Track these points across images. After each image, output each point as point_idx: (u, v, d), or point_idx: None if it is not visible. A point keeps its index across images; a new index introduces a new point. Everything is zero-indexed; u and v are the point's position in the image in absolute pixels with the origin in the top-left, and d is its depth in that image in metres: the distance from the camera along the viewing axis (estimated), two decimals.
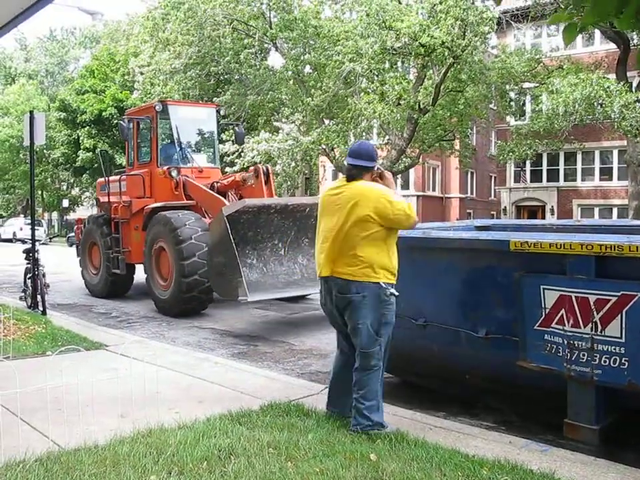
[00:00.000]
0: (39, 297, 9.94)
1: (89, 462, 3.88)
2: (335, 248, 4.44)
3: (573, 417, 4.56)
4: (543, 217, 35.80)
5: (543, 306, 4.60)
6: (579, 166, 34.52)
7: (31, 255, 10.24)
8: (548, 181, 35.99)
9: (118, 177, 13.43)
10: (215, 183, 12.02)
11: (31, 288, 10.19)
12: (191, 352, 7.64)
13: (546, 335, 4.61)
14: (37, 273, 9.99)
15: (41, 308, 9.79)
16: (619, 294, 4.20)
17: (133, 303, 12.22)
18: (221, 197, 11.22)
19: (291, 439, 4.25)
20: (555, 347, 4.57)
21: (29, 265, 10.36)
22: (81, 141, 39.13)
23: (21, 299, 10.65)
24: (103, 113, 37.52)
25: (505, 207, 37.68)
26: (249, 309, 11.15)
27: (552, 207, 35.63)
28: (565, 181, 35.13)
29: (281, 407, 5.02)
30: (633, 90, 23.77)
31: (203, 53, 25.78)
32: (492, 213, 42.85)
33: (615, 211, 33.18)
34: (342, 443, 4.22)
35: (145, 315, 10.97)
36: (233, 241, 8.67)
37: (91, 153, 37.83)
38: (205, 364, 6.81)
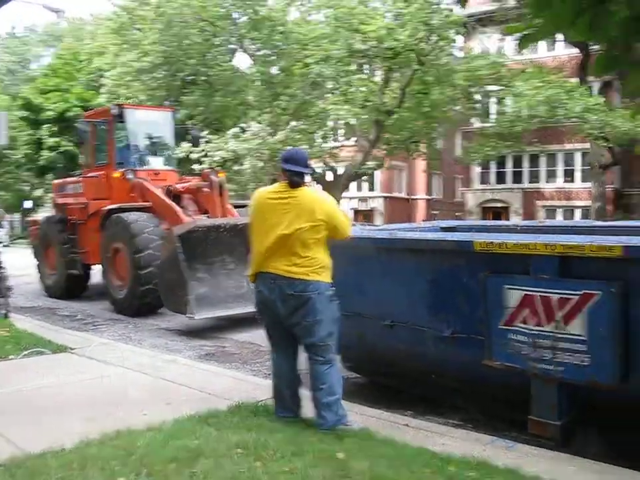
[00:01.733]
0: (0, 300, 9.77)
1: (55, 465, 3.84)
2: (289, 250, 4.57)
3: (536, 413, 4.64)
4: (508, 218, 36.27)
5: (507, 305, 4.68)
6: (542, 168, 35.07)
7: None
8: (512, 182, 36.50)
9: (75, 179, 13.51)
10: (171, 187, 12.07)
11: None
12: (158, 354, 7.61)
13: (510, 334, 4.70)
14: (0, 275, 9.83)
15: (3, 311, 9.63)
16: (580, 293, 4.29)
17: (97, 305, 12.12)
18: (174, 205, 11.39)
19: (259, 439, 4.26)
20: (519, 345, 4.66)
21: None
22: (43, 141, 38.54)
23: None
24: (68, 113, 37.00)
25: (470, 208, 38.11)
26: None
27: (516, 208, 36.13)
28: (529, 182, 35.66)
29: (249, 408, 5.03)
30: (595, 93, 24.24)
31: (170, 53, 25.57)
32: (457, 214, 43.26)
33: (577, 212, 33.77)
34: (310, 442, 4.25)
35: (110, 317, 10.88)
36: (181, 261, 9.12)
37: (54, 152, 37.28)
38: (173, 366, 6.78)
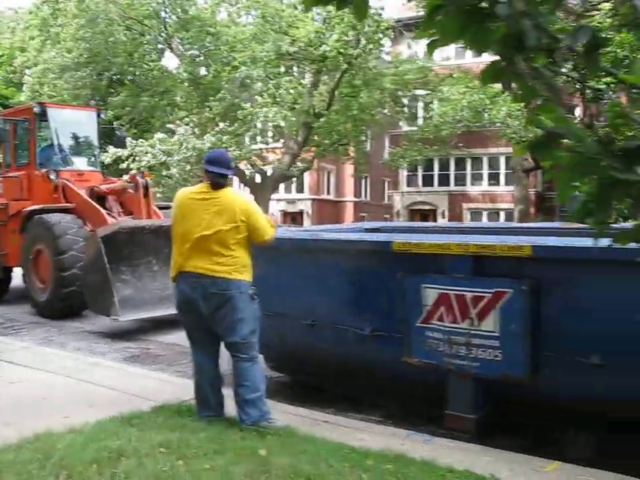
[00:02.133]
0: None
1: None
2: (211, 249, 4.65)
3: (452, 408, 4.83)
4: (435, 220, 37.03)
5: (424, 304, 4.85)
6: (468, 171, 35.97)
7: None
8: (439, 185, 37.28)
9: None
10: (95, 188, 11.89)
11: None
12: (81, 357, 7.50)
13: (427, 332, 4.87)
14: None
15: None
16: (493, 291, 4.49)
17: (18, 309, 11.81)
18: (97, 206, 11.26)
19: (182, 438, 4.29)
20: (435, 342, 4.84)
21: None
22: None
23: None
24: None
25: (398, 210, 38.73)
26: None
27: (443, 210, 36.92)
28: (455, 185, 36.50)
29: (172, 408, 5.05)
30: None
31: (95, 52, 25.10)
32: (386, 216, 43.85)
33: (502, 214, 34.76)
34: (232, 440, 4.30)
35: (32, 321, 10.63)
36: (106, 263, 9.04)
37: None
38: (96, 368, 6.71)
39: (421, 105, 29.98)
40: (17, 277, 12.65)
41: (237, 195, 4.95)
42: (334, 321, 5.54)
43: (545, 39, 1.42)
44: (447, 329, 4.75)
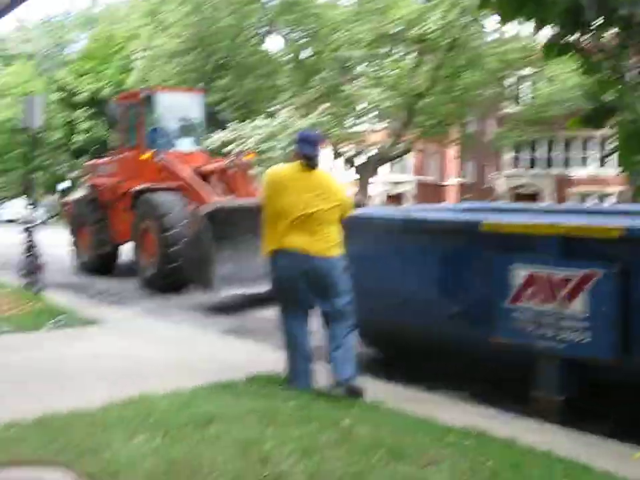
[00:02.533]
0: (36, 275, 10.17)
1: (81, 424, 4.13)
2: (311, 227, 4.89)
3: (539, 389, 4.81)
4: None
5: (513, 284, 4.84)
6: (575, 153, 34.70)
7: (28, 235, 10.48)
8: (544, 168, 36.16)
9: (106, 160, 13.90)
10: (199, 168, 12.37)
11: (28, 267, 10.41)
12: (183, 328, 7.89)
13: (515, 312, 4.86)
14: (34, 253, 10.23)
15: (38, 286, 10.03)
16: (582, 272, 4.44)
17: (127, 282, 12.47)
18: (203, 184, 11.73)
19: (272, 406, 4.50)
20: (523, 323, 4.82)
21: (26, 245, 10.58)
22: (77, 124, 39.24)
23: (19, 278, 10.86)
24: (100, 94, 37.56)
25: (501, 193, 37.88)
26: None
27: (547, 193, 35.82)
28: (561, 167, 35.30)
29: (265, 378, 5.28)
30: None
31: (201, 36, 25.86)
32: (489, 199, 43.04)
33: (610, 198, 33.36)
34: (320, 409, 4.48)
35: (139, 294, 11.23)
36: (208, 240, 9.39)
37: (87, 136, 37.98)
38: (197, 339, 7.08)
39: (525, 84, 29.12)
40: (125, 252, 13.38)
41: (330, 175, 5.18)
42: (424, 299, 5.61)
43: (604, 11, 1.45)
44: (535, 309, 4.72)
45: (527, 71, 27.17)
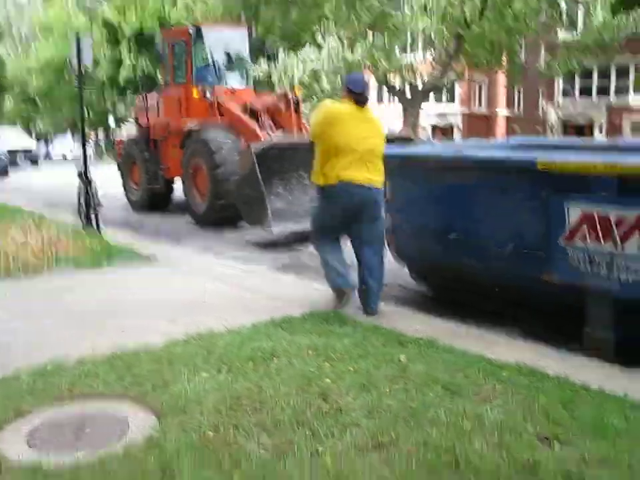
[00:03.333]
0: (92, 214, 10.44)
1: (147, 360, 4.36)
2: (369, 161, 5.40)
3: (591, 328, 4.84)
4: (591, 134, 35.08)
5: (567, 222, 4.83)
6: (631, 81, 33.47)
7: (83, 174, 10.70)
8: (598, 96, 35.04)
9: (155, 97, 13.98)
10: (248, 104, 12.37)
11: (85, 206, 10.68)
12: (237, 264, 8.09)
13: (569, 251, 4.86)
14: (90, 191, 10.48)
15: (95, 225, 10.32)
16: (638, 212, 4.40)
17: (179, 219, 12.75)
18: (251, 122, 11.81)
19: (329, 342, 4.67)
20: (577, 261, 4.83)
21: (82, 184, 10.82)
22: (122, 59, 39.29)
23: (76, 216, 11.16)
24: (144, 29, 37.44)
25: (552, 124, 36.97)
26: None
27: (601, 124, 34.82)
28: (615, 97, 34.16)
29: (320, 315, 5.43)
30: None
31: None
32: (538, 128, 42.05)
33: None
34: (375, 346, 4.62)
35: (192, 230, 11.49)
36: (259, 177, 9.44)
37: (133, 70, 38.08)
38: (250, 276, 7.25)
39: (580, 9, 27.95)
40: (177, 189, 13.60)
41: (375, 114, 5.70)
42: (476, 236, 5.63)
43: None
44: (589, 248, 4.72)
45: None
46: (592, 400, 3.76)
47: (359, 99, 5.42)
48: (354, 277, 5.75)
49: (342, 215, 5.48)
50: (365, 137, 5.33)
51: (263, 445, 3.21)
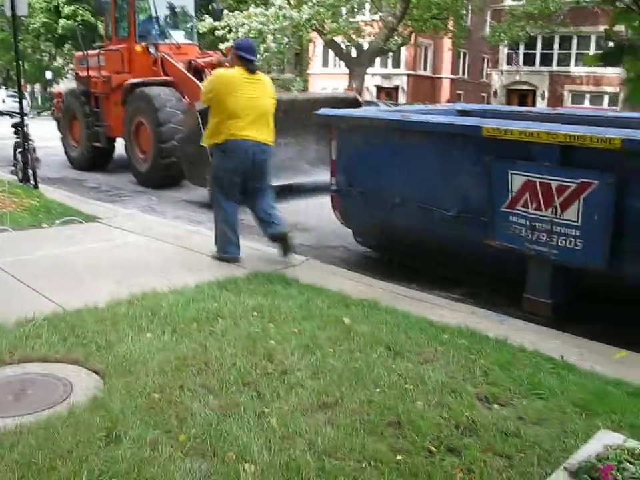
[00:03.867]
0: (30, 171, 10.12)
1: (91, 321, 4.29)
2: (264, 121, 5.90)
3: (530, 291, 4.99)
4: (534, 102, 35.65)
5: (510, 189, 4.93)
6: (573, 50, 34.04)
7: (19, 128, 10.35)
8: (541, 64, 35.56)
9: (96, 52, 13.51)
10: (193, 61, 12.09)
11: (21, 162, 10.35)
12: (180, 224, 8.01)
13: (511, 217, 4.98)
14: (26, 147, 10.14)
15: (32, 182, 10.01)
16: (578, 181, 4.52)
17: (121, 177, 12.49)
18: (195, 80, 11.44)
19: (273, 303, 4.69)
20: (518, 227, 4.95)
21: (18, 139, 10.47)
22: (60, 8, 37.78)
23: (12, 172, 10.83)
24: None
25: (496, 89, 37.40)
26: None
27: (543, 91, 35.41)
28: (558, 65, 34.72)
29: (265, 276, 5.44)
30: None
31: None
32: (483, 95, 42.49)
33: (606, 98, 33.04)
34: (319, 308, 4.66)
35: (135, 189, 11.28)
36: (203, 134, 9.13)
37: (72, 21, 36.69)
38: (194, 236, 7.18)
39: None
40: (120, 147, 13.28)
41: (267, 78, 6.19)
42: (421, 200, 5.70)
43: None
44: (531, 215, 4.84)
45: None
46: (529, 361, 3.89)
47: (250, 66, 5.89)
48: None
49: (240, 170, 5.91)
50: (256, 99, 5.84)
51: (209, 406, 3.22)
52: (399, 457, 2.85)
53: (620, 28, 1.52)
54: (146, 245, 6.69)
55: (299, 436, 2.98)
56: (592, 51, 32.61)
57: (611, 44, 1.47)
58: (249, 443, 2.89)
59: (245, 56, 5.87)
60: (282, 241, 6.09)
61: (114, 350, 3.85)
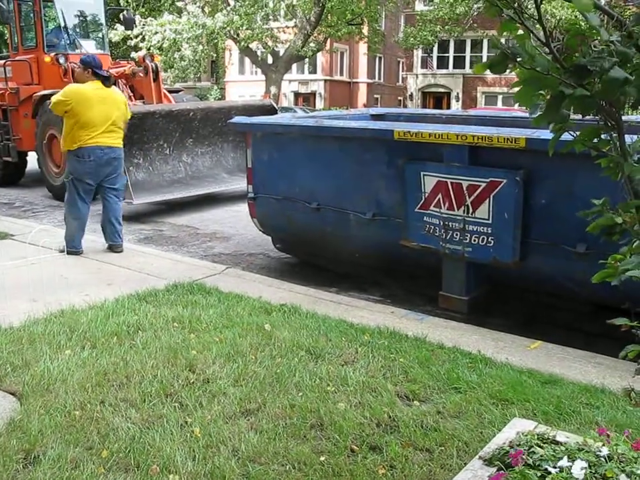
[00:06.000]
0: None
1: (6, 341, 4.17)
2: (114, 129, 6.67)
3: (446, 289, 5.16)
4: (449, 104, 36.59)
5: (422, 190, 5.08)
6: (484, 54, 35.09)
7: None
8: (454, 67, 36.52)
9: (2, 62, 13.02)
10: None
11: None
12: (97, 238, 7.83)
13: (425, 217, 5.12)
14: None
15: None
16: (487, 180, 4.70)
17: (35, 192, 12.12)
18: None
19: (194, 313, 4.68)
20: (432, 227, 5.10)
21: None
22: None
23: None
24: None
25: (412, 93, 38.16)
26: None
27: (457, 93, 36.36)
28: (470, 68, 35.71)
29: (184, 287, 5.41)
30: None
31: None
32: (399, 98, 43.32)
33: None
34: (240, 316, 4.68)
35: (50, 204, 10.96)
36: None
37: None
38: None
39: None
40: (32, 161, 12.89)
41: (118, 91, 7.32)
42: (338, 205, 5.79)
43: None
44: (443, 215, 4.99)
45: None
46: (448, 357, 4.02)
47: (105, 81, 6.73)
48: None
49: (93, 172, 6.61)
50: (107, 111, 6.59)
51: (131, 420, 3.20)
52: (322, 458, 2.90)
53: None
54: (62, 261, 6.53)
55: (223, 443, 3.00)
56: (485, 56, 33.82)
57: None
58: (172, 454, 2.89)
59: (102, 73, 6.74)
60: (114, 249, 6.92)
61: (31, 369, 3.76)
